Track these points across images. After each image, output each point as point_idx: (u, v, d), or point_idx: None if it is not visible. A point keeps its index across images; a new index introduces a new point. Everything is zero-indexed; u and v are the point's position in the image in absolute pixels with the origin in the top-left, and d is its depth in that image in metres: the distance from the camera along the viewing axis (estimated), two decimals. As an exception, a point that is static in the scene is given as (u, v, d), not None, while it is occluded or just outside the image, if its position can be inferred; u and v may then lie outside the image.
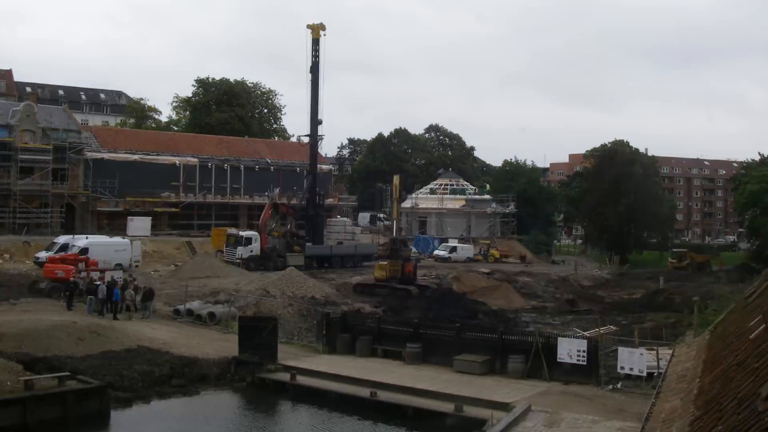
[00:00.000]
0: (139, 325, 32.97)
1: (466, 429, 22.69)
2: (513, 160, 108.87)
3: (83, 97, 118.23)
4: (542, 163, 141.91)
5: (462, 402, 23.62)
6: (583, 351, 26.35)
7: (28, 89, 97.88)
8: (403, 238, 57.32)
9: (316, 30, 56.59)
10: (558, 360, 26.67)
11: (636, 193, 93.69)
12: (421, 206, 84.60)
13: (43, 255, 45.28)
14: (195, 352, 29.23)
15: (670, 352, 20.23)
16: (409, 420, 24.13)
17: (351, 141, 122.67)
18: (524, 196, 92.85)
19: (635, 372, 25.37)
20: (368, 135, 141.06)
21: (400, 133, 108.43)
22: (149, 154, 65.77)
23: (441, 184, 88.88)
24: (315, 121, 58.72)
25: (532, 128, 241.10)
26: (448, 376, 27.26)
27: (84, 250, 43.56)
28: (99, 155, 62.31)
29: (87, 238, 47.66)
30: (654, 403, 14.16)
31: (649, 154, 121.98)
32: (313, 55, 56.29)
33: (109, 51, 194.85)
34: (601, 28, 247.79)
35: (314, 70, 56.40)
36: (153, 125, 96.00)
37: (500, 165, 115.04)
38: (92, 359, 26.62)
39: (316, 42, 56.46)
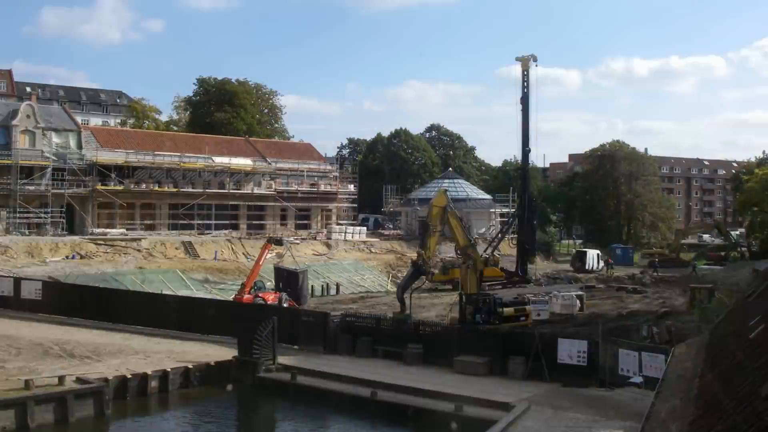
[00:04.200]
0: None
1: (466, 429, 22.72)
2: (513, 159, 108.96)
3: (83, 97, 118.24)
4: (542, 163, 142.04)
5: (462, 402, 23.65)
6: (584, 352, 26.37)
7: (28, 89, 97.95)
8: None
9: (525, 62, 57.33)
10: (558, 361, 26.69)
11: (635, 193, 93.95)
12: (420, 206, 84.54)
13: None
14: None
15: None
16: (409, 420, 24.16)
17: (351, 141, 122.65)
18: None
19: (631, 373, 25.46)
20: (368, 135, 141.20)
21: (401, 133, 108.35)
22: (149, 154, 65.75)
23: (441, 184, 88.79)
24: (525, 150, 59.95)
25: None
26: (449, 376, 27.28)
27: None
28: (99, 155, 62.29)
29: None
30: (654, 403, 14.18)
31: (649, 154, 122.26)
32: (523, 87, 57.55)
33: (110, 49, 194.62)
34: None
35: (524, 100, 57.64)
36: (153, 125, 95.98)
37: (500, 165, 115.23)
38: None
39: (526, 73, 57.47)
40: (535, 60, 57.36)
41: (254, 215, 71.26)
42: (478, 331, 31.14)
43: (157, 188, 64.65)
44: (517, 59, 57.78)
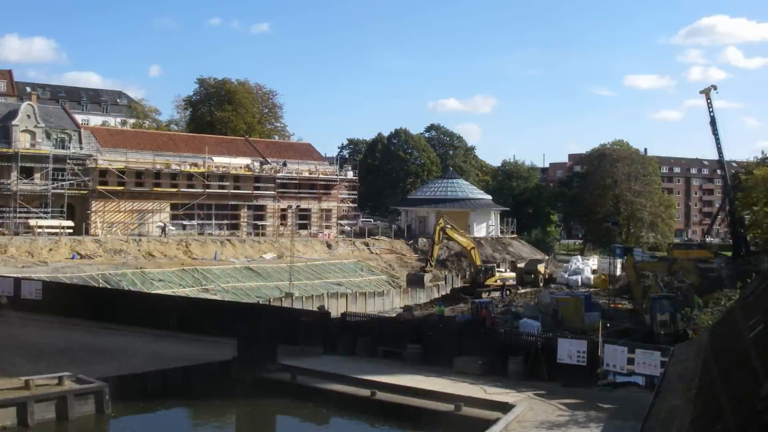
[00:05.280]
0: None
1: (466, 429, 22.72)
2: (512, 160, 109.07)
3: (83, 97, 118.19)
4: (541, 163, 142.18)
5: (461, 402, 23.66)
6: (583, 352, 26.35)
7: (29, 89, 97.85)
8: None
9: (707, 91, 70.17)
10: (558, 361, 26.67)
11: (635, 193, 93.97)
12: (420, 206, 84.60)
13: None
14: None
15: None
16: (409, 420, 24.16)
17: (351, 141, 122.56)
18: (523, 195, 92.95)
19: (617, 369, 25.57)
20: (368, 135, 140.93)
21: (401, 133, 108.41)
22: (149, 154, 65.74)
23: (440, 184, 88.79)
24: (722, 162, 72.45)
25: (531, 128, 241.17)
26: (448, 376, 27.27)
27: None
28: (99, 155, 62.30)
29: None
30: (653, 403, 14.20)
31: (649, 154, 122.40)
32: (709, 112, 70.37)
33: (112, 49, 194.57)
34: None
35: (713, 124, 70.95)
36: (154, 125, 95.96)
37: (500, 165, 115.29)
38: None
39: (709, 101, 70.38)
40: (715, 88, 69.81)
41: (254, 215, 71.25)
42: (478, 331, 31.14)
43: (157, 188, 64.63)
44: (701, 92, 69.81)
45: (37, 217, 56.79)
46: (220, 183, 68.60)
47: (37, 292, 38.40)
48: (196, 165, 67.44)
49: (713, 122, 70.32)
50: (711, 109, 70.23)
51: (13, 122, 58.78)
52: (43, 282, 40.38)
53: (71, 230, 57.06)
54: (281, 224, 72.55)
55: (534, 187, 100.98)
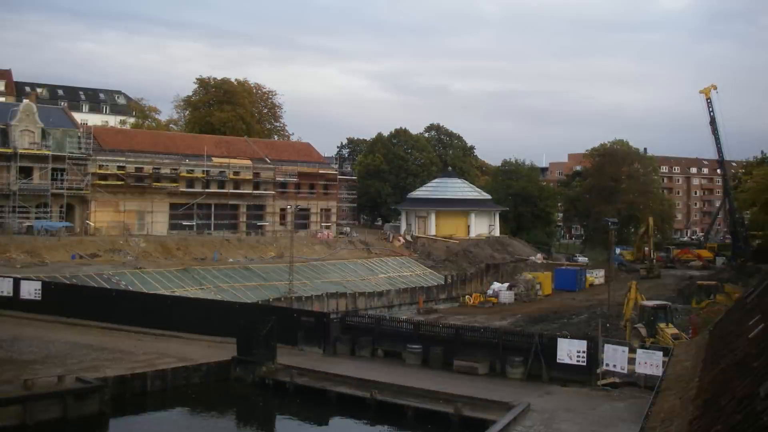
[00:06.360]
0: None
1: (466, 429, 22.72)
2: (512, 159, 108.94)
3: (82, 96, 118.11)
4: (541, 163, 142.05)
5: (461, 402, 23.65)
6: (583, 352, 26.37)
7: (27, 89, 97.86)
8: None
9: (707, 90, 69.93)
10: (558, 361, 26.69)
11: (635, 192, 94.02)
12: (420, 206, 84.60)
13: None
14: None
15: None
16: (409, 420, 24.15)
17: (350, 141, 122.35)
18: (523, 195, 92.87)
19: (618, 369, 25.63)
20: (368, 135, 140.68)
21: (400, 133, 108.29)
22: (148, 154, 65.69)
23: (440, 184, 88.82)
24: (722, 161, 73.56)
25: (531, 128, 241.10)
26: (448, 377, 27.26)
27: None
28: (98, 155, 62.25)
29: None
30: (653, 403, 14.20)
31: (649, 153, 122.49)
32: (709, 111, 70.28)
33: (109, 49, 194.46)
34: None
35: (713, 123, 71.08)
36: (153, 125, 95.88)
37: (499, 164, 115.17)
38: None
39: (709, 100, 70.47)
40: (715, 88, 69.74)
41: (254, 215, 71.21)
42: (478, 332, 31.13)
43: (156, 188, 64.61)
44: (701, 92, 69.52)
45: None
46: (220, 183, 68.61)
47: (37, 292, 38.43)
48: (195, 165, 67.40)
49: (713, 122, 70.09)
50: (711, 109, 69.72)
51: (12, 122, 58.72)
52: (43, 282, 40.37)
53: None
54: (281, 224, 72.51)
55: (534, 187, 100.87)
